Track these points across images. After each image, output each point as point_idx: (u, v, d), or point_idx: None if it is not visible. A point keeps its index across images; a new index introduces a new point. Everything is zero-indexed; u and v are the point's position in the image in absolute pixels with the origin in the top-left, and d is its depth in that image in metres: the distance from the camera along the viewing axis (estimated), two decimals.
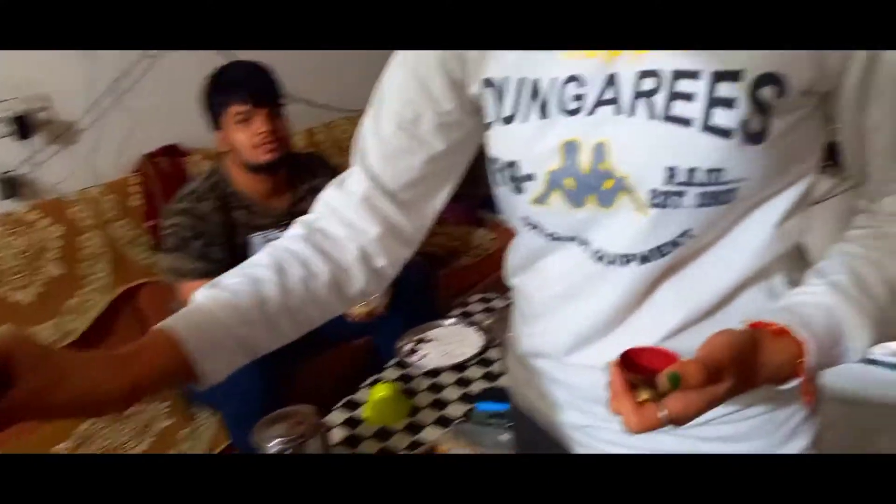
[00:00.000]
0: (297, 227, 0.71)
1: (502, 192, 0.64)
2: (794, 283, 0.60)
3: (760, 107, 0.51)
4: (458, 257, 2.31)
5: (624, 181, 0.55)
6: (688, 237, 0.56)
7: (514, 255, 0.73)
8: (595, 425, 0.67)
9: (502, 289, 2.43)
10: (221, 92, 1.58)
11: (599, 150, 0.55)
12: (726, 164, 0.52)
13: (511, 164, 0.61)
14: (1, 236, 1.67)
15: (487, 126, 0.64)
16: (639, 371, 0.49)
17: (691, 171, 0.52)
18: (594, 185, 0.57)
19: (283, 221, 1.73)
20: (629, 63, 0.54)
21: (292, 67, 2.54)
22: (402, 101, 0.68)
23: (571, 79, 0.56)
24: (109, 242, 1.86)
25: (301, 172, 1.76)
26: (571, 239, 0.62)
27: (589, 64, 0.56)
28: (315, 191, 1.76)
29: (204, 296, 0.61)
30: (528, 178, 0.60)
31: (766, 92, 0.51)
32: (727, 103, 0.51)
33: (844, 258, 0.57)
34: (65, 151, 1.90)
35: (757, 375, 0.50)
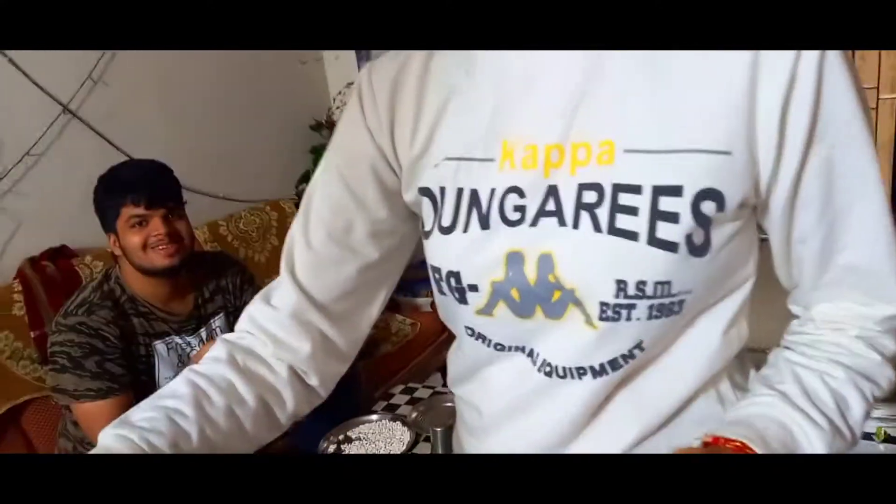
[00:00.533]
0: (219, 349, 0.65)
1: (444, 301, 0.62)
2: (738, 386, 0.61)
3: (701, 221, 0.52)
4: (377, 346, 2.23)
5: (573, 293, 0.55)
6: (639, 349, 0.56)
7: (457, 363, 0.69)
8: None
9: (424, 376, 2.37)
10: (114, 194, 1.47)
11: (545, 262, 0.55)
12: (673, 276, 0.53)
13: (454, 274, 0.59)
14: None
15: (426, 234, 0.63)
16: None
17: (641, 284, 0.52)
18: (542, 296, 0.56)
19: (186, 326, 1.61)
20: (569, 176, 0.54)
21: (191, 158, 2.50)
22: (333, 209, 0.65)
23: (511, 190, 0.56)
24: None
25: (205, 272, 1.66)
26: (518, 349, 0.60)
27: (528, 175, 0.56)
28: (221, 290, 1.65)
29: (113, 439, 0.54)
30: (472, 288, 0.59)
31: (707, 206, 0.52)
32: (671, 217, 0.52)
33: (789, 366, 0.57)
34: None
35: None
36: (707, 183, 0.52)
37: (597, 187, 0.53)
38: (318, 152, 3.02)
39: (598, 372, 0.56)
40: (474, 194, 0.58)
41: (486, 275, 0.57)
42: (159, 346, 1.56)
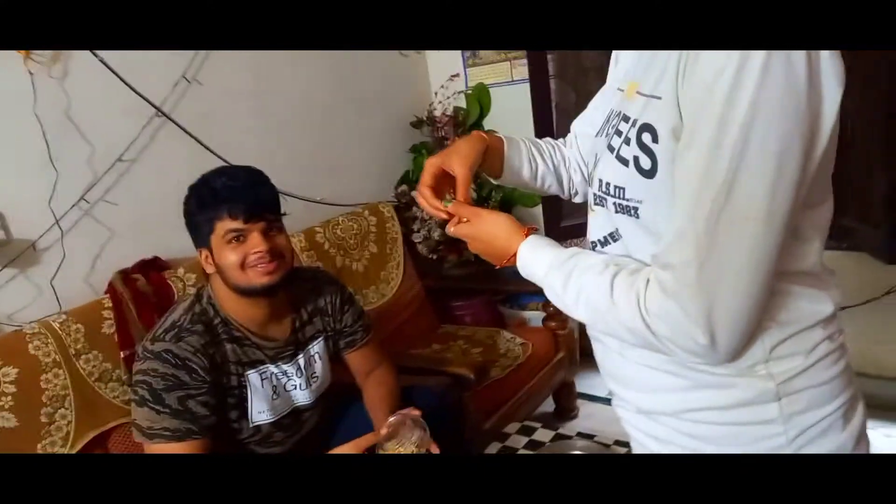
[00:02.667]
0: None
1: None
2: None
3: (643, 147, 0.70)
4: (486, 372, 1.99)
5: (591, 187, 0.83)
6: (619, 235, 0.78)
7: None
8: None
9: (535, 403, 2.07)
10: (207, 206, 1.30)
11: (595, 163, 0.82)
12: (626, 184, 0.73)
13: (587, 164, 0.95)
14: None
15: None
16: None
17: (607, 184, 0.76)
18: (591, 186, 0.84)
19: (283, 352, 1.43)
20: (621, 105, 0.77)
21: (286, 160, 2.35)
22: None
23: (617, 114, 0.78)
24: (75, 381, 1.55)
25: (304, 291, 1.49)
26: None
27: (619, 103, 0.79)
28: (320, 312, 1.43)
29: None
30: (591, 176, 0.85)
31: (646, 137, 0.69)
32: (627, 141, 0.72)
33: (591, 261, 0.76)
34: (21, 276, 1.62)
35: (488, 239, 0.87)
36: (645, 119, 0.70)
37: (619, 114, 0.76)
38: (418, 151, 2.81)
39: (601, 243, 0.81)
40: (610, 112, 0.82)
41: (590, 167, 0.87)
42: (252, 376, 1.39)
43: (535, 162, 1.02)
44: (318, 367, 1.50)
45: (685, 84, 0.64)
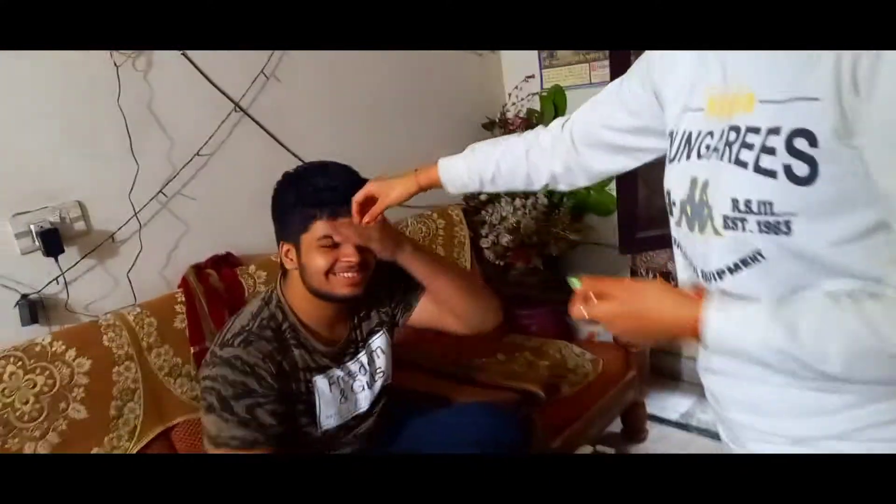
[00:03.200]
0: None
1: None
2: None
3: (800, 154, 0.65)
4: (557, 390, 1.91)
5: (711, 210, 0.74)
6: (761, 256, 0.70)
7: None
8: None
9: (606, 421, 1.99)
10: (306, 202, 1.25)
11: (704, 186, 0.75)
12: (774, 198, 0.67)
13: (668, 193, 0.83)
14: (20, 374, 1.38)
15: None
16: None
17: (748, 202, 0.69)
18: (700, 213, 0.76)
19: (346, 351, 1.40)
20: (727, 120, 0.73)
21: (358, 160, 2.29)
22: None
23: (709, 133, 0.76)
24: (145, 375, 1.55)
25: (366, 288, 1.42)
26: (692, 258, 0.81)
27: (716, 121, 0.75)
28: (376, 304, 1.47)
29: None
30: (673, 203, 0.82)
31: (800, 143, 0.64)
32: (771, 151, 0.67)
33: (815, 303, 0.66)
34: (100, 267, 1.63)
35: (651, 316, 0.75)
36: (799, 124, 0.64)
37: (736, 129, 0.71)
38: None
39: (732, 269, 0.73)
40: (689, 135, 0.79)
41: (679, 194, 0.80)
42: (320, 381, 1.36)
43: (486, 176, 1.14)
44: (381, 361, 1.46)
45: (871, 85, 0.59)
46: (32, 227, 1.48)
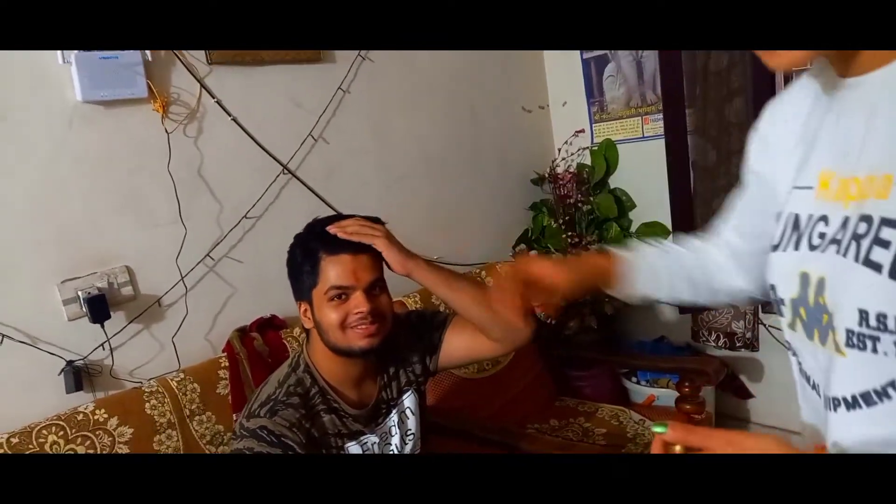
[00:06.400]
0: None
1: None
2: None
3: None
4: None
5: (832, 318, 0.59)
6: (893, 389, 0.55)
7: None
8: None
9: None
10: (311, 255, 1.23)
11: (820, 285, 0.60)
12: None
13: (773, 287, 0.70)
14: (61, 444, 1.36)
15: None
16: None
17: (881, 316, 0.54)
18: (818, 318, 0.61)
19: (377, 412, 1.33)
20: (855, 207, 0.58)
21: (406, 218, 2.28)
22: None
23: (822, 218, 0.63)
24: (186, 443, 1.52)
25: (387, 346, 1.32)
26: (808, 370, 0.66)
27: (833, 205, 0.61)
28: (402, 364, 1.36)
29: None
30: (781, 302, 0.68)
31: None
32: None
33: None
34: (146, 332, 1.63)
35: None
36: None
37: (868, 219, 0.57)
38: (538, 209, 2.69)
39: (850, 404, 0.58)
40: (797, 219, 0.66)
41: (788, 291, 0.66)
42: (353, 448, 1.29)
43: (659, 281, 0.91)
44: (412, 423, 1.39)
45: None
46: (80, 293, 1.49)
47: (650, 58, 2.46)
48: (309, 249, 1.24)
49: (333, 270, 1.21)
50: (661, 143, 2.40)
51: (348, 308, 1.21)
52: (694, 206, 2.34)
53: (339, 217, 1.30)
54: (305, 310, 1.28)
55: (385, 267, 1.28)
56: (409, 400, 1.40)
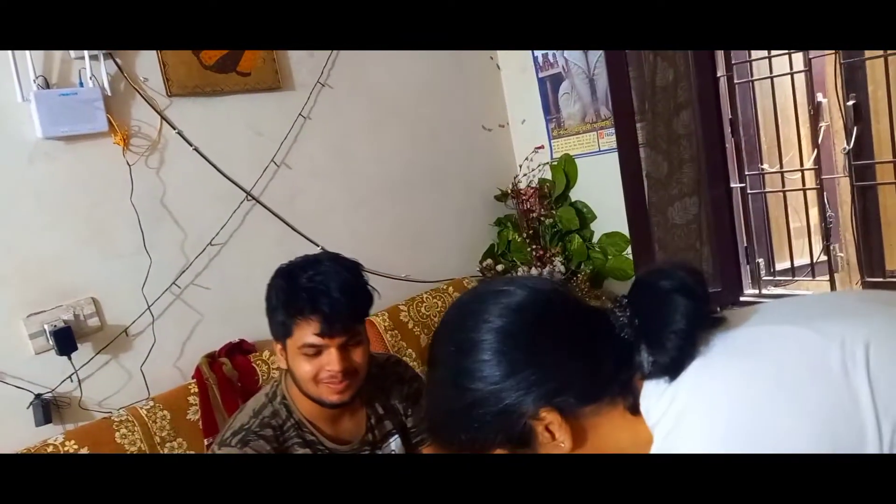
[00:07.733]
0: None
1: None
2: None
3: None
4: None
5: None
6: None
7: None
8: None
9: None
10: (288, 307, 1.18)
11: None
12: None
13: None
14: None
15: None
16: None
17: None
18: None
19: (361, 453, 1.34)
20: None
21: (371, 238, 2.34)
22: None
23: None
24: None
25: (376, 385, 1.36)
26: None
27: None
28: (392, 411, 1.25)
29: None
30: None
31: None
32: None
33: None
34: (114, 362, 1.64)
35: None
36: None
37: None
38: (503, 224, 2.75)
39: None
40: None
41: None
42: None
43: None
44: None
45: None
46: (46, 326, 1.51)
47: (602, 75, 2.55)
48: (286, 297, 1.19)
49: (309, 328, 1.17)
50: (616, 155, 2.48)
51: (321, 363, 1.18)
52: (650, 215, 2.42)
53: (318, 258, 1.25)
54: (281, 350, 1.25)
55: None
56: (395, 443, 1.38)
